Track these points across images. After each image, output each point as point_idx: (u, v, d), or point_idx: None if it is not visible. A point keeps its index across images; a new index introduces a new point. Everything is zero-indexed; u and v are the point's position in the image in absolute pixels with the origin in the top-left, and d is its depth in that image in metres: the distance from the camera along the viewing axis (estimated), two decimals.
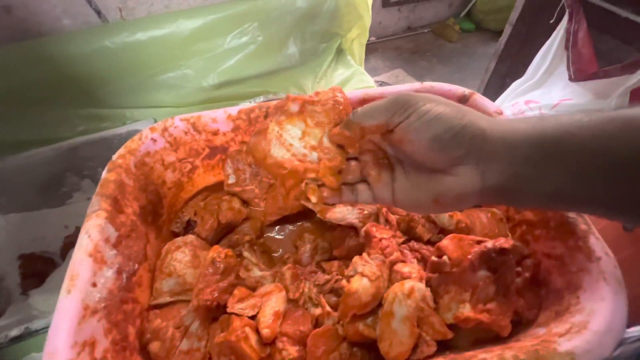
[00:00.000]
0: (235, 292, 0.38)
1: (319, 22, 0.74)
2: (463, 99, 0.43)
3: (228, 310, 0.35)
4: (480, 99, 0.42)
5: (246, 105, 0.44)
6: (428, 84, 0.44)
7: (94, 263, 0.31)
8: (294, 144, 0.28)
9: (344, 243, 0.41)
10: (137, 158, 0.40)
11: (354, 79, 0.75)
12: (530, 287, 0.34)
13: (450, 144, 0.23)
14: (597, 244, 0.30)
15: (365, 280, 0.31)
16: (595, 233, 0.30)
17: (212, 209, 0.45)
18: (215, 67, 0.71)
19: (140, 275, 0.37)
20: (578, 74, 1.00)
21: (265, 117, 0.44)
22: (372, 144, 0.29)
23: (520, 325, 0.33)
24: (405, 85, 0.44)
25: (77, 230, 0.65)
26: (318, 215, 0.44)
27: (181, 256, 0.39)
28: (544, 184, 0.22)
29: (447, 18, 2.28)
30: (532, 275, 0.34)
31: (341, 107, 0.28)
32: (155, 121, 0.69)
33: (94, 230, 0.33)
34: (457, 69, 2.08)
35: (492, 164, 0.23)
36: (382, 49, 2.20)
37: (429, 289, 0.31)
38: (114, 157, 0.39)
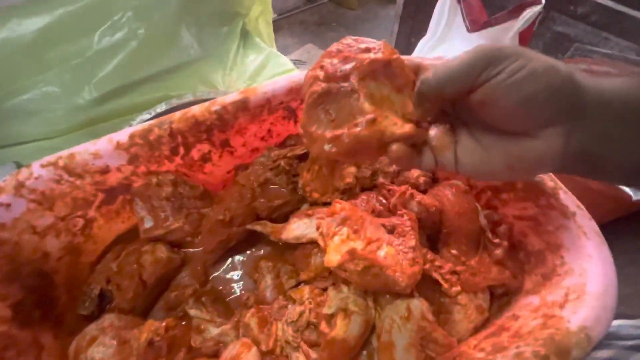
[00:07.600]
0: None
1: (212, 1, 0.61)
2: None
3: None
4: None
5: (139, 125, 0.32)
6: None
7: None
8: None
9: (310, 264, 0.35)
10: None
11: (270, 64, 0.65)
12: (510, 254, 0.33)
13: (545, 105, 0.20)
14: (568, 198, 0.29)
15: (352, 322, 0.25)
16: (563, 187, 0.29)
17: (129, 269, 0.33)
18: (88, 76, 0.54)
19: None
20: (473, 25, 1.08)
21: (170, 135, 0.33)
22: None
23: (509, 294, 0.32)
24: None
25: None
26: (271, 238, 0.37)
27: (101, 351, 0.28)
28: (634, 150, 0.20)
29: None
30: (509, 241, 0.33)
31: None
32: (19, 166, 0.51)
33: None
34: (365, 35, 2.09)
35: (583, 122, 0.20)
36: (287, 25, 2.10)
37: (426, 302, 0.27)
38: None
